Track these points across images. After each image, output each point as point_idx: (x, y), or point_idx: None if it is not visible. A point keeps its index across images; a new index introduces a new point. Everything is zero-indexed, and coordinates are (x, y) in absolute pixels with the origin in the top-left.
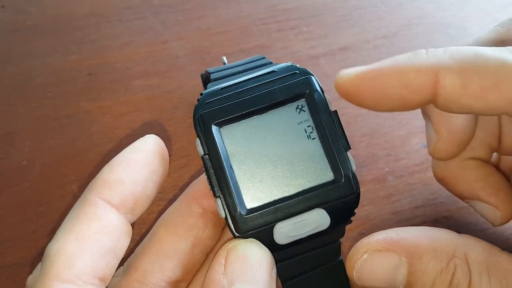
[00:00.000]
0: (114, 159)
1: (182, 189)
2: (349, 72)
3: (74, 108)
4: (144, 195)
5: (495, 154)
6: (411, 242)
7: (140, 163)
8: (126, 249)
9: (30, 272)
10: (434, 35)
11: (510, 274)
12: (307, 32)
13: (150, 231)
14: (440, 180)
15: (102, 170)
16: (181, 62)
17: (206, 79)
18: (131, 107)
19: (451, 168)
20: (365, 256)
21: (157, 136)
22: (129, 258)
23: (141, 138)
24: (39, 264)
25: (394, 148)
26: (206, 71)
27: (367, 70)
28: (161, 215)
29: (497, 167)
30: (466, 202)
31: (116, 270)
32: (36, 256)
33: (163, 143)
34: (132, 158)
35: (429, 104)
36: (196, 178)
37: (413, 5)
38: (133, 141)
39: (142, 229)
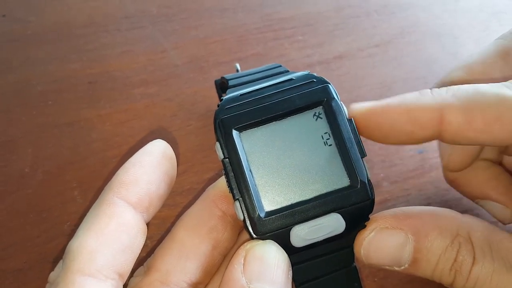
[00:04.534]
0: (127, 161)
1: (182, 195)
2: (360, 107)
3: (75, 116)
4: (157, 195)
5: None
6: (417, 221)
7: (153, 164)
8: (141, 247)
9: (33, 277)
10: (427, 43)
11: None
12: (302, 41)
13: (169, 232)
14: (451, 182)
15: (117, 172)
16: (179, 70)
17: (222, 85)
18: (130, 115)
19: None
20: (372, 233)
21: (165, 141)
22: (148, 259)
23: (150, 142)
24: (61, 261)
25: (389, 154)
26: (222, 77)
27: (377, 105)
28: (163, 220)
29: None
30: (476, 203)
31: (133, 269)
32: (39, 261)
33: (171, 147)
34: (144, 160)
35: (435, 139)
36: (196, 184)
37: (406, 14)
38: (133, 149)
39: None
